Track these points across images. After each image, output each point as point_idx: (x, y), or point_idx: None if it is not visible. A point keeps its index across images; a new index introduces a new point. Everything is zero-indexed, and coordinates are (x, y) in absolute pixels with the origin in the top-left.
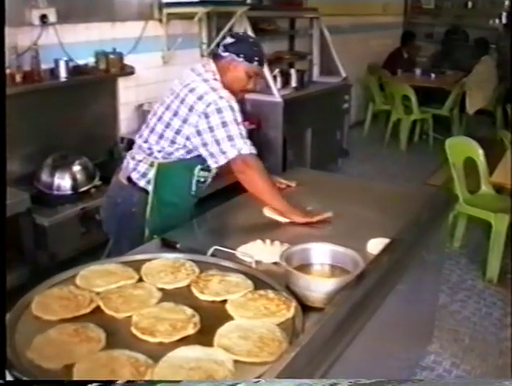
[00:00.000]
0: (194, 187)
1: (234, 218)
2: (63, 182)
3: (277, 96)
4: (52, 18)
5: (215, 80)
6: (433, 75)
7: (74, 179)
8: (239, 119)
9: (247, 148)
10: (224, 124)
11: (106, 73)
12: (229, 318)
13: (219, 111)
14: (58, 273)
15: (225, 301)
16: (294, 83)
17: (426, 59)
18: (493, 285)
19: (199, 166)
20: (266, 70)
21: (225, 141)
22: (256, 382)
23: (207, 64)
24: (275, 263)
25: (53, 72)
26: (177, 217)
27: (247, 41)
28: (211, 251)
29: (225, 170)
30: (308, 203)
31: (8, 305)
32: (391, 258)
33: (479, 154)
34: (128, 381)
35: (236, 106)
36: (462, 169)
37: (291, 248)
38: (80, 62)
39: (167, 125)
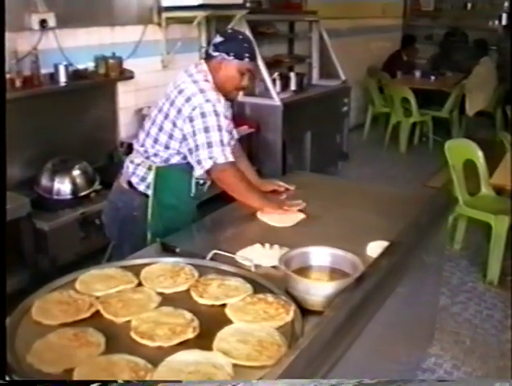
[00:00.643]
0: (193, 189)
1: (233, 222)
2: (63, 187)
3: (276, 100)
4: (52, 22)
5: (206, 80)
6: (432, 78)
7: (74, 184)
8: (223, 124)
9: (223, 157)
10: (206, 129)
11: (106, 77)
12: (228, 321)
13: (203, 115)
14: (58, 277)
15: (224, 305)
16: (293, 86)
17: (425, 61)
18: (494, 287)
19: None
20: (265, 73)
21: (204, 148)
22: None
23: (199, 65)
24: (274, 267)
25: (53, 77)
26: (179, 220)
27: (236, 38)
28: (210, 255)
29: None
30: (308, 206)
31: (8, 309)
32: (391, 261)
33: (479, 156)
34: (127, 381)
35: (222, 110)
36: (462, 171)
37: (290, 252)
38: (80, 66)
39: (160, 129)
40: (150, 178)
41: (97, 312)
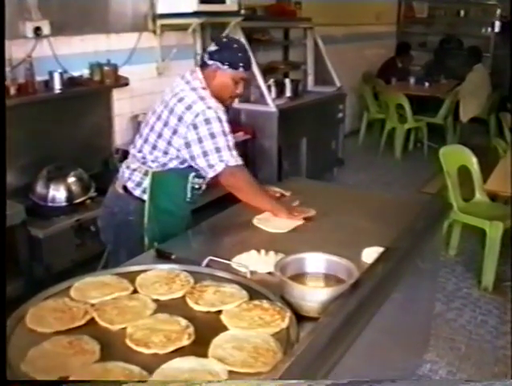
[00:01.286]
0: (189, 194)
1: (229, 228)
2: (58, 194)
3: (272, 106)
4: (46, 30)
5: (203, 88)
6: (427, 84)
7: (69, 191)
8: (227, 130)
9: (233, 160)
10: (212, 135)
11: (101, 85)
12: (223, 328)
13: (207, 122)
14: (53, 284)
15: (219, 312)
16: (288, 92)
17: (419, 67)
18: (489, 293)
19: (193, 173)
20: (260, 80)
21: (213, 153)
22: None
23: (194, 72)
24: (270, 273)
25: (48, 84)
26: (175, 224)
27: (231, 47)
28: (206, 261)
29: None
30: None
31: None
32: (386, 267)
33: (473, 162)
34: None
35: (223, 116)
36: (456, 177)
37: (285, 258)
38: (75, 74)
39: (159, 136)
40: (146, 183)
41: (92, 319)
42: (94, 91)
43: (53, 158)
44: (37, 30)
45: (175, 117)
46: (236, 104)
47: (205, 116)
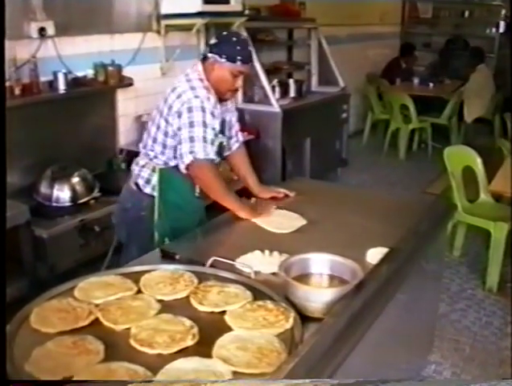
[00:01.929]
0: (198, 189)
1: (233, 228)
2: (62, 194)
3: (275, 107)
4: (51, 30)
5: (199, 79)
6: (431, 85)
7: (73, 191)
8: (208, 121)
9: (203, 153)
10: (191, 124)
11: (105, 85)
12: (227, 329)
13: (189, 110)
14: (57, 284)
15: (223, 313)
16: (292, 93)
17: (423, 68)
18: (493, 294)
19: None
20: (264, 80)
21: (186, 142)
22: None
23: (195, 65)
24: (274, 273)
25: (52, 85)
26: (185, 219)
27: (230, 41)
28: (210, 262)
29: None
30: (307, 212)
31: (7, 317)
32: (390, 267)
33: (477, 163)
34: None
35: (209, 108)
36: (461, 177)
37: (289, 259)
38: (79, 74)
39: (158, 127)
40: (155, 179)
41: (96, 320)
42: (98, 91)
43: (57, 158)
44: (41, 30)
45: (167, 107)
46: (240, 104)
47: (190, 104)
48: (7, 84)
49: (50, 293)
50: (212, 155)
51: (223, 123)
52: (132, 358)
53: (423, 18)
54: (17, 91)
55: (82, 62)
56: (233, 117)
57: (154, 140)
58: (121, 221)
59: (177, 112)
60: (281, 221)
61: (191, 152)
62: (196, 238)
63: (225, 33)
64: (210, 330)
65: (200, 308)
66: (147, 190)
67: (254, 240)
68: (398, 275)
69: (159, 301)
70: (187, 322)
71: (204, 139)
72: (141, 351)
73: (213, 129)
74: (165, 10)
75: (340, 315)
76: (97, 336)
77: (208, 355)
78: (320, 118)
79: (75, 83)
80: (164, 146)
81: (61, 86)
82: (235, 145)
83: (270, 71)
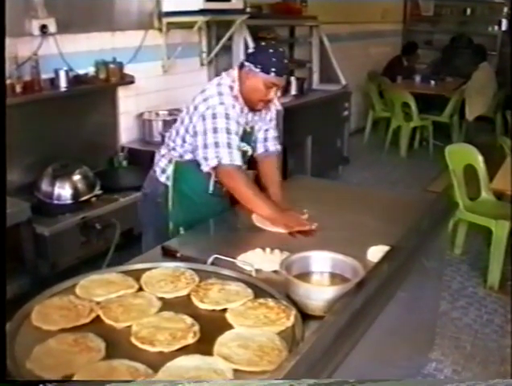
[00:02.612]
0: (212, 187)
1: (234, 226)
2: (63, 192)
3: (277, 104)
4: (52, 28)
5: (230, 86)
6: (433, 82)
7: (74, 189)
8: (232, 128)
9: (228, 159)
10: (215, 130)
11: (106, 82)
12: (228, 326)
13: (214, 116)
14: (58, 282)
15: (224, 310)
16: (294, 91)
17: (425, 66)
18: (494, 291)
19: None
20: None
21: (211, 147)
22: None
23: (232, 70)
24: (275, 271)
25: (53, 82)
26: (197, 211)
27: (266, 51)
28: (211, 259)
29: None
30: (309, 210)
31: (8, 314)
32: (391, 266)
33: (479, 161)
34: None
35: (234, 116)
36: (462, 175)
37: (290, 257)
38: (80, 71)
39: (182, 122)
40: (170, 170)
41: (98, 317)
42: (99, 89)
43: (58, 155)
44: (43, 28)
45: (193, 106)
46: None
47: (214, 110)
48: (9, 81)
49: (51, 290)
50: (239, 162)
51: (250, 132)
52: (133, 355)
53: (425, 15)
54: (18, 88)
55: (83, 59)
56: (264, 126)
57: (177, 132)
58: (142, 206)
59: (202, 115)
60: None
61: (216, 156)
62: (197, 236)
63: (263, 43)
64: (211, 327)
65: (201, 306)
66: (162, 178)
67: (255, 237)
68: (399, 273)
69: (160, 298)
70: (188, 320)
71: (229, 145)
72: (142, 348)
73: (237, 136)
74: (166, 7)
75: (341, 313)
76: (98, 334)
77: (209, 353)
78: (321, 116)
79: (76, 80)
80: (184, 140)
81: (62, 84)
82: (260, 150)
83: None
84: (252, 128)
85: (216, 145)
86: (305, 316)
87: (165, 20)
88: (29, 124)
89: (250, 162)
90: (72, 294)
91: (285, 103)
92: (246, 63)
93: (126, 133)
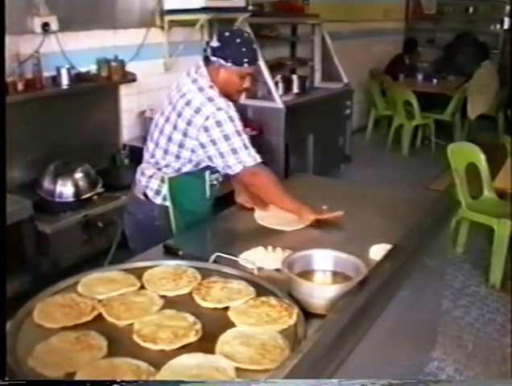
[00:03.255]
0: (208, 192)
1: (236, 224)
2: (65, 190)
3: (279, 103)
4: (54, 26)
5: (210, 87)
6: (435, 81)
7: (76, 186)
8: (240, 128)
9: (251, 160)
10: (226, 137)
11: (108, 80)
12: (230, 325)
13: (219, 124)
14: (60, 280)
15: (226, 308)
16: (296, 89)
17: (427, 64)
18: (496, 290)
19: (208, 171)
20: (267, 76)
21: (230, 155)
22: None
23: (199, 69)
24: (277, 269)
25: (55, 80)
26: (198, 222)
27: (234, 42)
28: (213, 258)
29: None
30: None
31: (10, 312)
32: (394, 264)
33: (481, 159)
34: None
35: (235, 115)
36: (464, 174)
37: (293, 255)
38: (82, 69)
39: (169, 139)
40: (165, 190)
41: (99, 315)
42: (101, 87)
43: (60, 153)
44: (45, 25)
45: (184, 121)
46: (243, 100)
47: (216, 118)
48: (10, 79)
49: (53, 288)
50: (259, 158)
51: None
52: (135, 353)
53: (427, 14)
54: (20, 86)
55: (85, 57)
56: None
57: (166, 151)
58: (136, 232)
59: (203, 127)
60: (280, 219)
61: (239, 162)
62: (199, 234)
63: (227, 33)
64: (213, 326)
65: (203, 304)
66: (158, 201)
67: (257, 236)
68: (402, 271)
69: (162, 296)
70: (191, 318)
71: (246, 146)
72: (144, 346)
73: (244, 130)
74: (168, 5)
75: (343, 312)
76: (100, 332)
77: (211, 351)
78: (323, 114)
79: (78, 78)
80: (178, 157)
81: (64, 81)
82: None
83: (274, 67)
84: None
85: (234, 151)
86: (307, 314)
87: (167, 18)
88: (31, 122)
89: None
90: (73, 292)
91: (287, 101)
92: (214, 59)
93: (128, 131)
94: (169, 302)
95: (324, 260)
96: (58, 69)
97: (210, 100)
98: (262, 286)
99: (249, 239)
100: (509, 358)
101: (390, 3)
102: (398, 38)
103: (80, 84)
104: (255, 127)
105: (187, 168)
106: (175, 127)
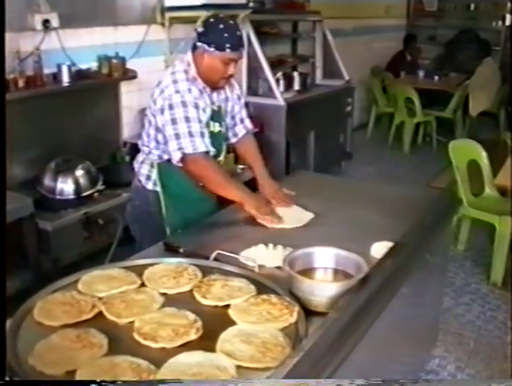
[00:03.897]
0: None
1: (237, 222)
2: (66, 187)
3: (280, 100)
4: (55, 22)
5: (184, 70)
6: (436, 78)
7: (77, 184)
8: (192, 115)
9: (192, 147)
10: (173, 121)
11: (109, 77)
12: (231, 322)
13: (171, 107)
14: (61, 277)
15: (227, 306)
16: (297, 86)
17: (429, 61)
18: (498, 288)
19: None
20: (268, 73)
21: (172, 139)
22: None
23: (185, 56)
24: (278, 267)
25: (56, 77)
26: (192, 209)
27: (217, 28)
28: (213, 255)
29: None
30: (311, 206)
31: (11, 310)
32: (395, 262)
33: (482, 157)
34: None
35: (191, 101)
36: (466, 171)
37: (294, 253)
38: (83, 66)
39: (150, 122)
40: (154, 175)
41: (100, 313)
42: (102, 84)
43: (61, 150)
44: (46, 22)
45: (153, 102)
46: (244, 97)
47: (170, 100)
48: (11, 76)
49: (53, 286)
50: (204, 148)
51: (219, 111)
52: (135, 351)
53: (429, 11)
54: (21, 83)
55: (86, 54)
56: (235, 105)
57: (148, 135)
58: (134, 219)
59: (160, 108)
60: (288, 216)
61: (179, 148)
62: (200, 231)
63: (211, 20)
64: (214, 324)
65: (204, 302)
66: (149, 186)
67: (258, 233)
68: (403, 269)
69: (163, 294)
70: (191, 316)
71: (190, 134)
72: (144, 344)
73: (200, 121)
74: (169, 2)
75: (344, 309)
76: (101, 329)
77: (212, 349)
78: (324, 111)
79: (79, 75)
80: (157, 141)
81: (65, 78)
82: (242, 132)
83: (275, 64)
84: (219, 107)
85: (177, 136)
86: (308, 312)
87: (168, 15)
88: (31, 119)
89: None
90: (74, 290)
91: (288, 98)
92: (199, 44)
93: (129, 128)
94: (170, 300)
95: (325, 257)
96: (59, 66)
97: (174, 82)
98: (263, 284)
99: (250, 236)
100: (511, 355)
101: (392, 0)
102: (399, 35)
103: (81, 81)
104: (256, 124)
105: (167, 157)
106: (149, 107)
